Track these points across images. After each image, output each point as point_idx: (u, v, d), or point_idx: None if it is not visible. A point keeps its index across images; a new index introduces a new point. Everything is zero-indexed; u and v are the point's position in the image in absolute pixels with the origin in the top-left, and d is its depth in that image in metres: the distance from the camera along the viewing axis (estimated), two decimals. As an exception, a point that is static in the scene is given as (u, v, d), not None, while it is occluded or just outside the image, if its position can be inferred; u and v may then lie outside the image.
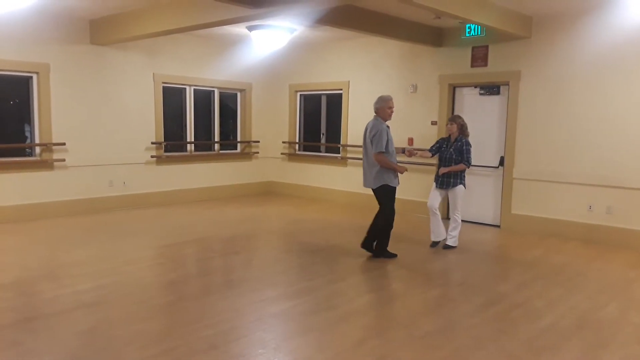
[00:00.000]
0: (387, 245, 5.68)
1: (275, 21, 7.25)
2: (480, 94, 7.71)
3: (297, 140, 10.21)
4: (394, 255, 5.64)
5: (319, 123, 10.01)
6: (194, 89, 9.19)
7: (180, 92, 9.07)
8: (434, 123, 8.05)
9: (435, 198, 6.10)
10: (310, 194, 9.85)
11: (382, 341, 3.55)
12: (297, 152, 10.23)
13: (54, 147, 7.40)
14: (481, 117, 7.72)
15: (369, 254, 5.68)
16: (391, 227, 5.61)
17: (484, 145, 7.69)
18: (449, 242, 6.13)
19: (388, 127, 5.49)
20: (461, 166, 5.89)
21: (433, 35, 7.71)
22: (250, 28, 7.70)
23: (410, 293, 4.58)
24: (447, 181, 5.99)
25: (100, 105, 7.89)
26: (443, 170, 5.96)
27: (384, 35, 7.26)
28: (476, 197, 7.80)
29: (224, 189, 9.68)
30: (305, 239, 6.62)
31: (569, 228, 6.81)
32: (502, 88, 7.49)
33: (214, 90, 9.52)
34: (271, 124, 10.34)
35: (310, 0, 5.29)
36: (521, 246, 6.46)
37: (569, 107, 6.76)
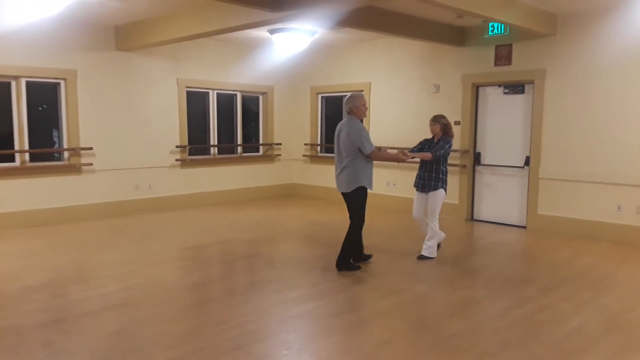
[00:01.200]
0: (350, 257, 5.24)
1: (297, 24, 7.29)
2: (505, 93, 7.61)
3: (319, 142, 10.23)
4: (358, 267, 5.24)
5: (340, 125, 10.00)
6: (217, 93, 9.30)
7: (204, 96, 9.19)
8: (457, 123, 7.97)
9: (419, 207, 5.70)
10: (332, 196, 9.81)
11: (407, 343, 3.53)
12: (319, 154, 10.25)
13: (82, 152, 7.58)
14: (505, 116, 7.62)
15: (367, 260, 5.49)
16: (360, 237, 5.26)
17: (508, 145, 7.59)
18: (424, 252, 5.63)
19: (363, 125, 5.16)
20: (427, 155, 5.46)
21: (455, 34, 7.65)
22: (271, 31, 7.76)
23: (434, 295, 4.55)
24: (427, 184, 5.56)
25: (126, 110, 8.05)
26: (407, 155, 5.51)
27: (405, 35, 7.23)
28: (501, 197, 7.71)
29: (246, 191, 9.76)
30: (328, 241, 6.62)
31: (597, 229, 6.66)
32: (526, 87, 7.38)
33: (236, 94, 9.61)
34: (293, 126, 10.38)
35: (331, 3, 5.30)
36: (548, 247, 6.35)
37: (595, 105, 6.62)
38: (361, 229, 5.22)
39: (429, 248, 5.64)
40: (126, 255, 5.82)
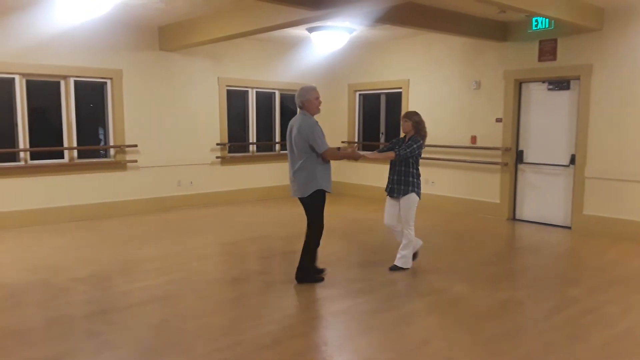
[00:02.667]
0: (310, 267, 4.73)
1: (335, 22, 7.29)
2: (549, 89, 7.39)
3: (356, 140, 10.20)
4: (321, 279, 4.73)
5: (377, 122, 9.96)
6: (256, 92, 9.41)
7: (243, 95, 9.32)
8: (498, 120, 7.80)
9: (390, 213, 5.15)
10: (368, 194, 9.81)
11: (445, 343, 3.49)
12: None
13: (127, 149, 7.83)
14: (550, 113, 7.40)
15: (321, 274, 4.89)
16: (319, 244, 4.71)
17: (553, 142, 7.37)
18: (398, 263, 5.09)
19: (316, 121, 4.66)
20: (389, 154, 4.97)
21: (497, 29, 7.47)
22: (310, 30, 7.79)
23: (474, 295, 4.47)
24: (397, 188, 5.04)
25: (168, 109, 8.26)
26: (369, 155, 5.14)
27: (445, 31, 7.12)
28: (545, 196, 7.49)
29: (284, 189, 9.80)
30: (364, 239, 6.62)
31: (648, 230, 6.39)
32: (572, 83, 7.14)
33: (274, 92, 9.70)
34: (330, 124, 10.37)
35: (371, 0, 5.28)
36: (594, 249, 6.13)
37: (647, 101, 6.34)
38: (320, 236, 4.69)
39: (402, 257, 5.08)
40: (168, 249, 5.97)
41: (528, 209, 7.72)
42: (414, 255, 5.23)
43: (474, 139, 8.12)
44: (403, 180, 5.00)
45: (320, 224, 4.67)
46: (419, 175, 5.08)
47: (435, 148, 8.62)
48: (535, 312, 4.09)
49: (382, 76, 9.45)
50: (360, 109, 10.18)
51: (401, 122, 5.16)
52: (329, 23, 7.33)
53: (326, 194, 4.65)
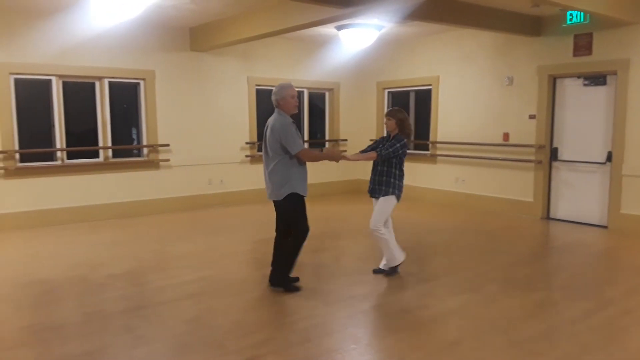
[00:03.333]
0: (289, 273, 4.49)
1: (364, 19, 7.26)
2: (584, 84, 7.19)
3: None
4: (297, 289, 4.47)
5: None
6: (285, 90, 9.45)
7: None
8: (532, 117, 7.64)
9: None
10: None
11: (478, 344, 3.44)
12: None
13: (160, 148, 8.00)
14: (585, 109, 7.20)
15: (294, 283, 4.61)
16: (300, 250, 4.42)
17: (588, 139, 7.17)
18: (381, 266, 4.93)
19: (293, 121, 4.48)
20: (371, 155, 4.71)
21: (530, 24, 7.31)
22: (338, 28, 7.79)
23: (508, 296, 4.39)
24: (377, 189, 4.75)
25: (199, 108, 8.39)
26: (350, 157, 4.87)
27: (477, 26, 7.01)
28: (580, 195, 7.30)
29: (312, 187, 9.65)
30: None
31: (690, 230, 6.16)
32: (608, 78, 6.93)
33: (303, 91, 9.73)
34: (358, 122, 10.37)
35: (400, -3, 5.24)
36: (631, 248, 5.94)
37: (689, 96, 6.10)
38: (303, 242, 4.42)
39: (387, 260, 4.86)
40: (200, 246, 6.08)
41: (563, 207, 7.53)
42: (394, 269, 4.88)
43: (506, 136, 7.97)
44: (384, 181, 4.73)
45: (302, 228, 4.38)
46: (401, 177, 4.80)
47: (465, 146, 8.51)
48: (570, 313, 4.00)
49: (411, 73, 9.37)
50: (389, 106, 10.12)
51: (384, 121, 4.88)
52: (357, 21, 7.31)
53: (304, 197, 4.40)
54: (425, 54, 9.10)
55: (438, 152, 9.04)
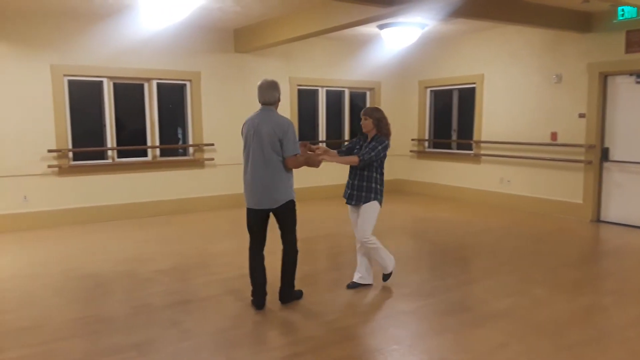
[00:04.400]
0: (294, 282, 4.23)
1: (407, 18, 7.20)
2: (637, 82, 6.87)
3: (427, 137, 10.03)
4: (300, 295, 4.29)
5: (449, 119, 9.73)
6: (326, 90, 9.50)
7: (313, 94, 9.43)
8: (581, 116, 7.36)
9: (354, 223, 4.55)
10: (439, 192, 9.62)
11: (524, 348, 3.36)
12: (427, 150, 10.05)
13: (205, 147, 8.18)
14: (639, 107, 6.88)
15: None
16: (249, 265, 4.23)
17: (642, 139, 6.86)
18: (357, 279, 4.57)
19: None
20: (353, 159, 4.35)
21: (580, 20, 7.05)
22: (380, 27, 7.74)
23: (555, 300, 4.26)
24: (357, 195, 4.40)
25: (243, 108, 8.48)
26: (329, 159, 4.46)
27: (524, 23, 6.82)
28: (633, 197, 6.99)
29: (328, 189, 9.81)
30: (435, 238, 6.49)
31: None
32: (666, 74, 6.60)
33: (344, 90, 9.74)
34: (400, 121, 10.26)
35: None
36: (690, 254, 5.64)
37: None
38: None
39: (383, 267, 4.55)
40: (242, 244, 6.12)
41: (614, 210, 7.23)
42: (389, 275, 4.59)
43: (554, 135, 7.72)
44: (365, 187, 4.37)
45: (294, 233, 4.22)
46: (382, 181, 4.47)
47: (511, 145, 8.30)
48: (620, 318, 3.84)
49: (454, 71, 9.22)
50: (431, 105, 9.99)
51: (361, 120, 4.54)
52: (400, 19, 7.25)
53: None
54: (469, 52, 8.93)
55: (482, 152, 8.86)
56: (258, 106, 9.16)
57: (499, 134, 8.50)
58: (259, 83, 4.18)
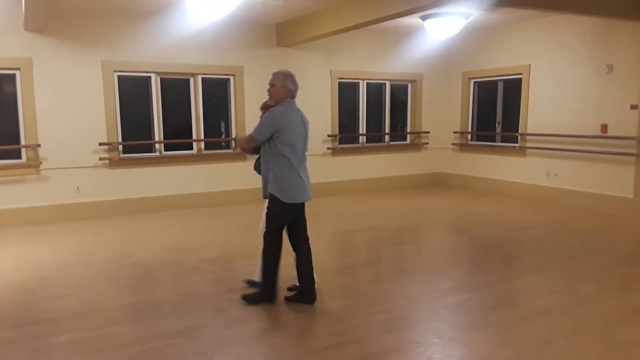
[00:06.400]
0: (271, 286, 3.99)
1: (450, 8, 7.08)
2: (698, 71, 6.53)
3: (470, 130, 9.84)
4: (270, 299, 3.99)
5: (494, 111, 9.51)
6: (367, 83, 9.46)
7: (354, 87, 9.42)
8: (633, 107, 7.06)
9: (263, 216, 4.27)
10: (483, 186, 9.44)
11: (571, 346, 3.28)
12: (470, 142, 9.87)
13: (246, 141, 8.32)
14: (699, 98, 6.54)
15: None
16: (272, 262, 4.00)
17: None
18: (256, 277, 4.35)
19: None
20: (248, 139, 4.06)
21: (634, 7, 6.71)
22: (423, 17, 7.64)
23: (604, 297, 4.13)
24: (264, 185, 4.10)
25: (283, 102, 8.61)
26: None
27: (573, 11, 6.57)
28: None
29: (393, 180, 9.81)
30: (478, 233, 6.39)
31: None
32: None
33: (385, 83, 9.68)
34: (442, 113, 10.14)
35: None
36: None
37: None
38: (271, 253, 4.04)
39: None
40: (283, 236, 6.26)
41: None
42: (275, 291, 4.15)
43: (604, 127, 7.43)
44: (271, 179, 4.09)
45: (269, 233, 4.11)
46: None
47: (558, 138, 8.05)
48: (677, 319, 3.69)
49: (499, 62, 9.00)
50: (474, 97, 9.79)
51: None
52: (443, 9, 7.14)
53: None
54: (515, 42, 8.69)
55: (528, 145, 8.63)
56: (300, 99, 9.16)
57: (546, 126, 8.26)
58: (292, 74, 4.07)
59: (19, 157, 6.99)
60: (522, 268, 5.04)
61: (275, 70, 4.05)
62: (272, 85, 3.97)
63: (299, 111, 4.04)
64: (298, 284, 4.19)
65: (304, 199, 4.06)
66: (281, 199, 3.90)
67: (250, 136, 3.94)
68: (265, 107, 4.17)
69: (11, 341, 3.42)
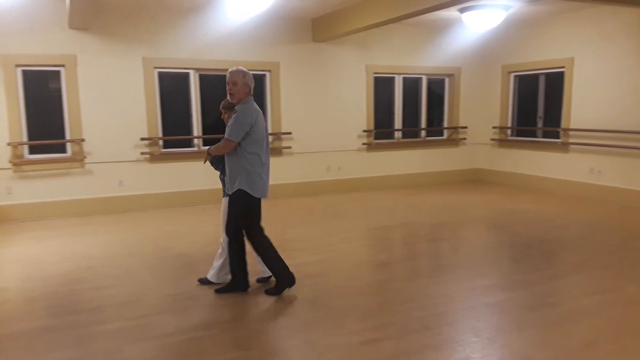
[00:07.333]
0: (238, 278, 4.16)
1: (491, 0, 6.91)
2: None
3: (509, 125, 9.61)
4: (244, 288, 4.18)
5: (534, 105, 9.26)
6: (403, 77, 9.36)
7: (390, 81, 9.34)
8: (685, 101, 6.74)
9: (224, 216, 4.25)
10: (523, 182, 9.21)
11: (615, 347, 3.18)
12: (509, 138, 9.64)
13: (283, 136, 8.39)
14: None
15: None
16: (240, 254, 4.14)
17: None
18: (209, 275, 4.39)
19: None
20: (226, 144, 3.92)
21: (688, -5, 6.42)
22: (462, 10, 7.50)
23: (650, 298, 3.99)
24: (228, 183, 4.09)
25: (319, 97, 8.64)
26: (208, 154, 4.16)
27: (619, 2, 6.31)
28: None
29: (430, 176, 9.70)
30: (518, 230, 6.25)
31: None
32: None
33: (421, 77, 9.55)
34: (480, 108, 9.93)
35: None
36: None
37: None
38: (236, 245, 4.14)
39: (213, 269, 4.39)
40: (319, 230, 6.31)
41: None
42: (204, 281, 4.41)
43: (651, 123, 7.13)
44: (229, 174, 4.12)
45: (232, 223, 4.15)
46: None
47: (603, 133, 7.78)
48: None
49: (541, 55, 8.74)
50: (515, 91, 9.55)
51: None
52: (483, 2, 6.98)
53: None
54: (557, 34, 8.43)
55: (570, 140, 8.36)
56: (335, 94, 9.21)
57: (590, 121, 7.98)
58: (248, 71, 4.02)
59: (64, 151, 7.27)
60: (563, 267, 4.91)
61: (232, 68, 4.00)
62: (233, 83, 3.93)
63: (259, 109, 4.08)
64: (265, 276, 4.39)
65: (266, 195, 4.16)
66: (251, 193, 4.00)
67: (226, 140, 3.92)
68: (227, 107, 4.17)
69: (58, 329, 3.57)
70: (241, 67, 4.02)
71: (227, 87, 3.96)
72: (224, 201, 4.25)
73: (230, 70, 3.99)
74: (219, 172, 4.28)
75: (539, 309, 3.79)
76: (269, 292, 4.17)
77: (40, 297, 4.21)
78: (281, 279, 4.17)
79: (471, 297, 4.05)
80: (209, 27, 7.56)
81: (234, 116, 3.95)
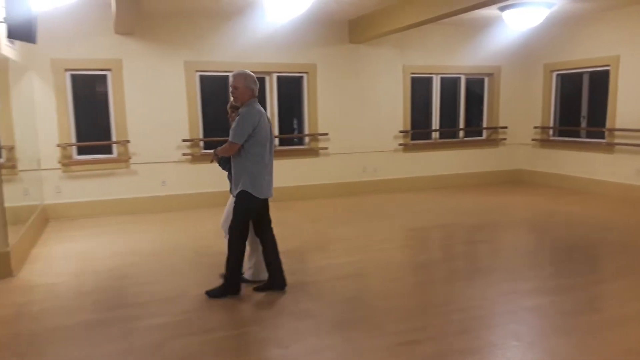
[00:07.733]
0: (237, 278, 4.18)
1: (532, -2, 6.78)
2: None
3: (552, 125, 9.38)
4: (235, 292, 4.16)
5: (578, 105, 9.00)
6: (441, 77, 9.27)
7: (427, 81, 9.27)
8: None
9: (227, 213, 4.37)
10: (565, 184, 8.97)
11: (663, 355, 3.09)
12: (551, 138, 9.41)
13: (319, 137, 8.46)
14: None
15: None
16: (238, 256, 4.12)
17: None
18: (246, 274, 4.46)
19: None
20: (230, 146, 4.00)
21: None
22: (502, 8, 7.38)
23: (702, 306, 3.84)
24: (233, 183, 4.19)
25: (356, 98, 8.66)
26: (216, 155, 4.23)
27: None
28: None
29: (468, 177, 9.57)
30: (560, 233, 6.11)
31: None
32: None
33: (460, 77, 9.44)
34: (521, 108, 9.73)
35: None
36: None
37: None
38: (236, 247, 4.13)
39: (250, 269, 4.48)
40: (357, 231, 6.34)
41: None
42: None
43: None
44: (234, 174, 4.24)
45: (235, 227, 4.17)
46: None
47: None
48: None
49: (585, 53, 8.50)
50: (557, 90, 9.31)
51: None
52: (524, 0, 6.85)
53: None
54: (602, 32, 8.17)
55: (616, 141, 8.09)
56: (372, 95, 9.22)
57: (637, 120, 7.71)
58: (251, 73, 4.08)
59: (110, 152, 7.56)
60: (608, 271, 4.77)
61: (234, 71, 4.06)
62: (235, 87, 4.01)
63: (265, 111, 4.16)
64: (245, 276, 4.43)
65: (270, 195, 4.24)
66: (253, 194, 4.06)
67: (230, 143, 3.99)
68: (232, 108, 4.27)
69: (107, 323, 3.74)
70: (244, 70, 4.09)
71: (230, 91, 4.06)
72: (230, 199, 4.39)
73: (232, 73, 4.07)
74: (226, 172, 4.39)
75: (582, 315, 3.71)
76: (258, 289, 4.28)
77: (90, 291, 4.41)
78: (272, 279, 4.28)
79: (511, 301, 4.00)
80: (248, 30, 7.71)
81: (236, 119, 4.03)
